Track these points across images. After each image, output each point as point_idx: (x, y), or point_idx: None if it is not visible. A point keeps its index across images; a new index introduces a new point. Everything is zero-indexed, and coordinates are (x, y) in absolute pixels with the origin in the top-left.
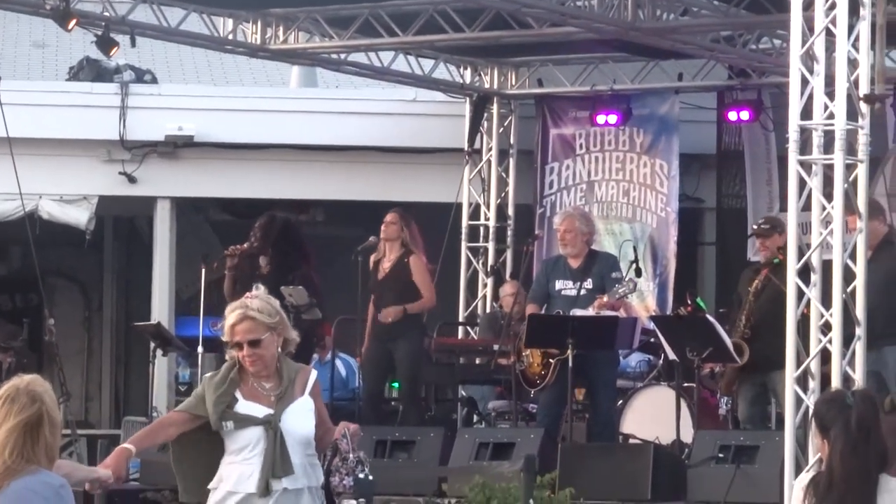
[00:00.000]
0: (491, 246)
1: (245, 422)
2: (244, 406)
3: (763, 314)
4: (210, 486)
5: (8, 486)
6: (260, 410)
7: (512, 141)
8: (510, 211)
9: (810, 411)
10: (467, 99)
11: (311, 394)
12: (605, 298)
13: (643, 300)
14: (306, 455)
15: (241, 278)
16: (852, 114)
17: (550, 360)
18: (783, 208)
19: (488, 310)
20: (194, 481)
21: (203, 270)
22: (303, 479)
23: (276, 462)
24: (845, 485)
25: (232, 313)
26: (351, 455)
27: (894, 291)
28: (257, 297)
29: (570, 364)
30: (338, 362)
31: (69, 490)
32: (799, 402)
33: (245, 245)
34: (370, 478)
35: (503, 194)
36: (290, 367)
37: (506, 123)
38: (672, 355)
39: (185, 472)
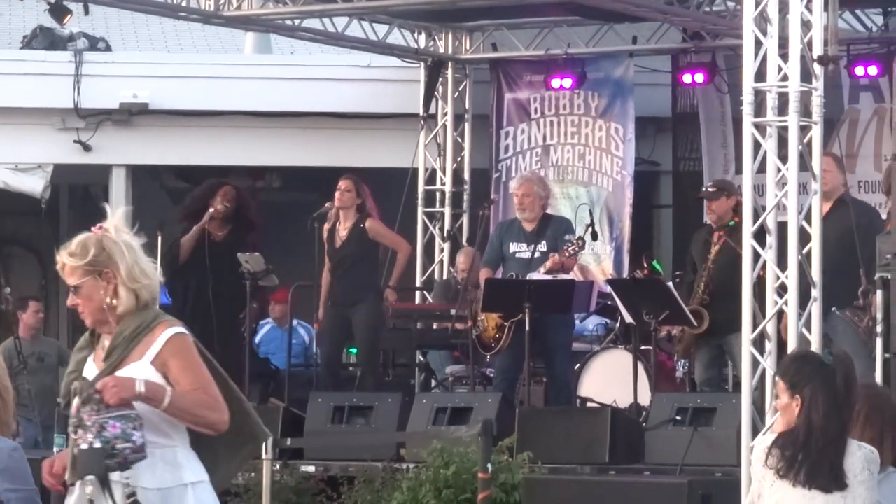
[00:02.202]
0: (447, 211)
1: (70, 395)
2: (86, 373)
3: (721, 278)
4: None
5: None
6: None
7: (467, 106)
8: (466, 175)
9: (767, 373)
10: (422, 64)
11: (156, 361)
12: (556, 257)
13: (600, 263)
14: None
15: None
16: (806, 75)
17: (506, 324)
18: (738, 170)
19: (445, 275)
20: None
21: (159, 238)
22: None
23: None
24: (824, 443)
25: None
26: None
27: (845, 254)
28: (77, 238)
29: (528, 328)
30: (301, 329)
31: (22, 453)
32: (756, 364)
33: (220, 208)
34: (96, 446)
35: (459, 159)
36: (129, 324)
37: (461, 88)
38: (629, 318)
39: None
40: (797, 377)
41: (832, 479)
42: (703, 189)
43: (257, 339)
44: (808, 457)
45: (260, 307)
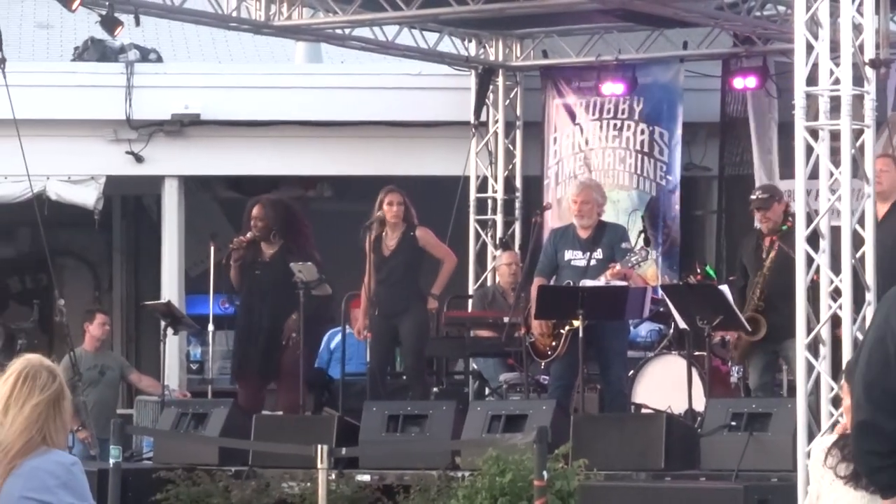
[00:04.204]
0: (499, 218)
1: None
2: None
3: (775, 283)
4: None
5: (21, 465)
6: None
7: (518, 113)
8: (518, 183)
9: (822, 377)
10: (472, 72)
11: None
12: (618, 266)
13: (647, 269)
14: None
15: (244, 266)
16: (858, 79)
17: (561, 332)
18: (783, 176)
19: (497, 282)
20: None
21: (212, 248)
22: None
23: None
24: None
25: None
26: None
27: None
28: None
29: (581, 335)
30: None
31: (81, 468)
32: (810, 368)
33: (248, 235)
34: None
35: (510, 166)
36: None
37: (511, 95)
38: (682, 324)
39: None
40: None
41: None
42: (754, 197)
43: (332, 345)
44: None
45: (327, 314)
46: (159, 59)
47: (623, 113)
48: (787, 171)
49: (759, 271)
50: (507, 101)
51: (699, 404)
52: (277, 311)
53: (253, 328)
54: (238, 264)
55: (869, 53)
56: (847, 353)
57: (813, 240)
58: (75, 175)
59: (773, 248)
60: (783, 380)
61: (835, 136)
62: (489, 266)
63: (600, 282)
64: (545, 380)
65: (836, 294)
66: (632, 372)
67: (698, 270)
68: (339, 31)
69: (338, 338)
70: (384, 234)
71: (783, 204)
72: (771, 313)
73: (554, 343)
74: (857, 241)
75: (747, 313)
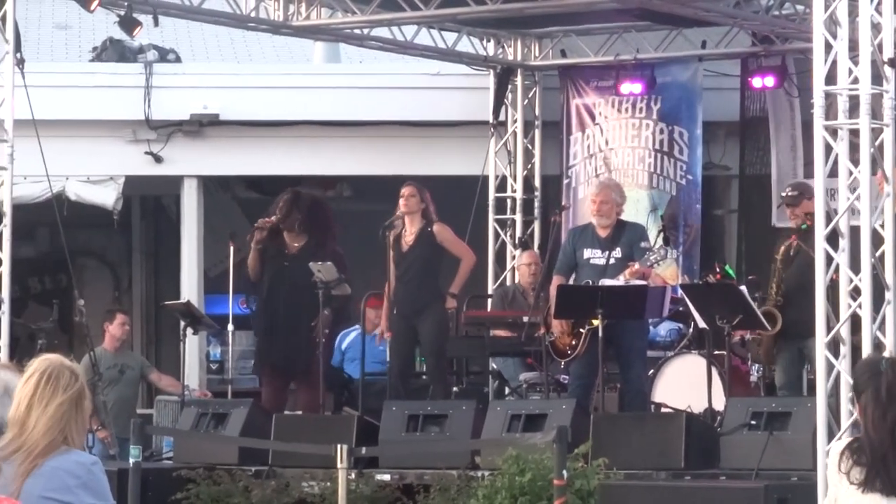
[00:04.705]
0: (518, 218)
1: None
2: None
3: (795, 281)
4: None
5: (42, 465)
6: None
7: (537, 112)
8: (537, 182)
9: (842, 377)
10: (491, 71)
11: None
12: (637, 266)
13: (667, 268)
14: None
15: (268, 258)
16: (877, 78)
17: (581, 331)
18: (808, 174)
19: (517, 281)
20: None
21: (231, 248)
22: None
23: None
24: (883, 452)
25: None
26: None
27: None
28: None
29: (601, 334)
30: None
31: (101, 467)
32: (830, 367)
33: (273, 218)
34: None
35: (529, 166)
36: None
37: (530, 95)
38: (702, 323)
39: None
40: (858, 384)
41: None
42: (785, 194)
43: (344, 345)
44: (875, 465)
45: (345, 313)
46: (178, 60)
47: (641, 112)
48: (811, 169)
49: (773, 266)
50: (526, 100)
51: (719, 403)
52: (302, 306)
53: (278, 322)
54: (259, 248)
55: (888, 52)
56: (867, 353)
57: (832, 239)
58: (94, 175)
59: (789, 244)
60: (804, 378)
61: (854, 134)
62: (508, 265)
63: (619, 281)
64: (565, 379)
65: (855, 293)
66: (651, 371)
67: (717, 270)
68: (357, 31)
69: (349, 338)
70: (403, 230)
71: (814, 201)
72: (791, 310)
73: (573, 342)
74: (877, 241)
75: (763, 309)
